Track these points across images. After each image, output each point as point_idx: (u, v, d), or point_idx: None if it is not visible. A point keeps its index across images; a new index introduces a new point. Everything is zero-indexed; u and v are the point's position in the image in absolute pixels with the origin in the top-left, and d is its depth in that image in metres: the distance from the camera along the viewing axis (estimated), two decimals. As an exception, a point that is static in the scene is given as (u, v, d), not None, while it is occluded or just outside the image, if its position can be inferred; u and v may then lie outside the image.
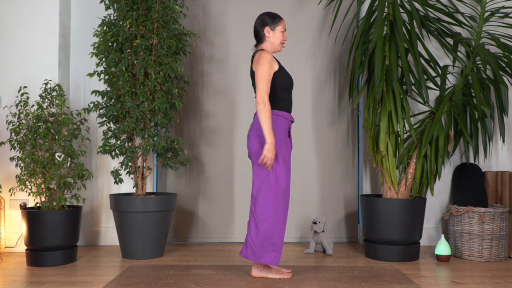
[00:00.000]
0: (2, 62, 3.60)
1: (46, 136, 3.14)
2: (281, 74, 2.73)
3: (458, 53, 3.79)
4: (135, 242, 3.25)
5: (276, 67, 2.71)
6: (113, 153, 3.39)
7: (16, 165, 3.17)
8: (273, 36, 2.78)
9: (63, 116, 3.23)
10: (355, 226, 4.01)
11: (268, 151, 2.62)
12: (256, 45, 2.84)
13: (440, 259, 3.24)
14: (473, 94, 3.46)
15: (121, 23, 3.36)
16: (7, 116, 3.37)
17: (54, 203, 3.14)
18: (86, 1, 3.85)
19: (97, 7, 3.84)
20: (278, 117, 2.72)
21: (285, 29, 2.81)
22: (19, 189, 3.28)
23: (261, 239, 2.68)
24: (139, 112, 3.23)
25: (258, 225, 2.68)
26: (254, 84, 2.79)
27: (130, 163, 3.38)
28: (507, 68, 3.35)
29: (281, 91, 2.74)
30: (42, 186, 3.14)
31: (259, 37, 2.81)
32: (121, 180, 3.34)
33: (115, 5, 3.34)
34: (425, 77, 3.41)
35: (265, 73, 2.66)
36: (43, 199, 3.22)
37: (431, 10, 3.66)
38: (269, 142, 2.62)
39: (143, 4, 3.32)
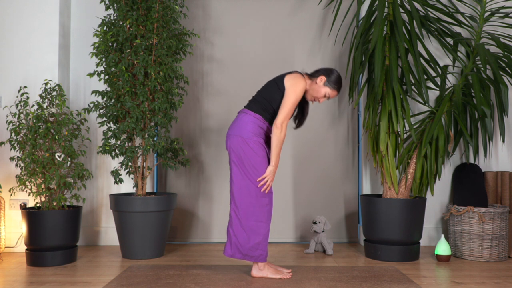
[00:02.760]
0: (2, 62, 3.60)
1: (46, 136, 3.14)
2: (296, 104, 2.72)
3: (458, 53, 3.79)
4: (135, 242, 3.25)
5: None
6: (113, 153, 3.39)
7: (16, 165, 3.17)
8: (319, 88, 2.75)
9: (63, 116, 3.23)
10: (355, 226, 4.01)
11: (271, 173, 2.68)
12: (305, 73, 2.82)
13: (440, 259, 3.24)
14: (473, 94, 3.46)
15: (121, 23, 3.36)
16: (7, 116, 3.37)
17: (54, 203, 3.14)
18: (86, 1, 3.85)
19: (97, 7, 3.84)
20: (259, 125, 2.71)
21: (329, 98, 2.77)
22: (19, 189, 3.28)
23: (246, 238, 2.69)
24: (139, 112, 3.23)
25: (242, 224, 2.69)
26: (266, 92, 2.75)
27: (130, 163, 3.38)
28: (507, 68, 3.35)
29: (278, 108, 2.72)
30: (42, 186, 3.14)
31: (315, 74, 2.77)
32: (121, 180, 3.34)
33: (115, 5, 3.34)
34: (425, 77, 3.41)
35: (296, 100, 2.68)
36: (43, 199, 3.22)
37: (431, 10, 3.66)
38: (273, 165, 2.67)
39: (143, 4, 3.32)
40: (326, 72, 2.76)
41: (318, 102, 2.80)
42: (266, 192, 2.69)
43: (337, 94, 2.80)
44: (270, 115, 2.74)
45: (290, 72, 2.76)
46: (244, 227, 2.69)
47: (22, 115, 3.46)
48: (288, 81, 2.69)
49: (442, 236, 3.28)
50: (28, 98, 3.26)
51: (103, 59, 3.32)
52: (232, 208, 2.72)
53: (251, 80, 4.01)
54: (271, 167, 2.68)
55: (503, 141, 3.22)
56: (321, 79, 2.74)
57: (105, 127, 3.74)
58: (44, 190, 3.12)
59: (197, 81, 4.02)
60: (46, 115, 3.20)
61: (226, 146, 2.76)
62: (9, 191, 3.17)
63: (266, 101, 2.72)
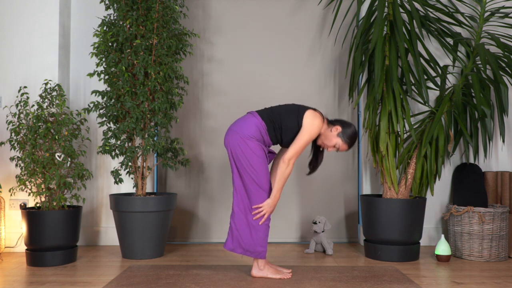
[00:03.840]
0: (2, 62, 3.60)
1: (46, 136, 3.14)
2: (308, 143, 2.70)
3: (458, 53, 3.79)
4: (135, 242, 3.25)
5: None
6: (113, 153, 3.39)
7: (16, 165, 3.17)
8: (331, 137, 2.72)
9: (63, 116, 3.23)
10: (355, 226, 4.01)
11: (268, 206, 2.67)
12: (326, 117, 2.82)
13: (440, 259, 3.24)
14: (473, 94, 3.46)
15: (121, 23, 3.36)
16: (7, 116, 3.37)
17: (54, 203, 3.14)
18: (86, 1, 3.85)
19: (97, 7, 3.84)
20: (261, 132, 2.69)
21: (338, 149, 2.75)
22: (19, 189, 3.28)
23: (248, 232, 2.69)
24: (139, 112, 3.23)
25: (244, 218, 2.68)
26: (284, 112, 2.72)
27: (130, 163, 3.38)
28: (507, 68, 3.35)
29: (285, 132, 2.71)
30: (42, 186, 3.14)
31: (334, 122, 2.76)
32: (121, 180, 3.34)
33: (115, 5, 3.34)
34: (425, 77, 3.41)
35: (309, 140, 2.67)
36: (43, 199, 3.22)
37: (431, 10, 3.66)
38: (272, 198, 2.67)
39: (143, 4, 3.32)
40: (343, 124, 2.75)
41: (326, 149, 2.76)
42: (259, 224, 2.68)
43: (348, 149, 2.75)
44: (274, 133, 2.71)
45: (314, 110, 2.72)
46: (246, 221, 2.69)
47: (22, 115, 3.46)
48: (307, 118, 2.66)
49: (442, 236, 3.28)
50: (28, 98, 3.26)
51: (103, 59, 3.32)
52: (235, 203, 2.72)
53: (251, 80, 4.01)
54: (269, 200, 2.67)
55: (503, 141, 3.22)
56: (337, 129, 2.73)
57: (105, 127, 3.74)
58: (44, 190, 3.12)
59: (197, 81, 4.02)
60: (46, 115, 3.20)
61: (224, 141, 2.75)
62: (9, 191, 3.17)
63: (279, 118, 2.70)
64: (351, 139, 2.74)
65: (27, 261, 3.09)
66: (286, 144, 2.76)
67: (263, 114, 2.72)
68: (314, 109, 2.72)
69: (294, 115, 2.69)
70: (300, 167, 3.99)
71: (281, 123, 2.70)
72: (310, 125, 2.65)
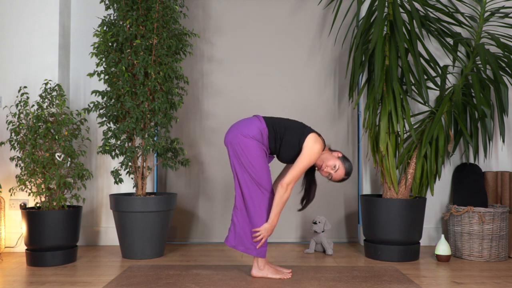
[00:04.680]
0: (2, 62, 3.60)
1: (46, 136, 3.14)
2: (309, 165, 2.69)
3: (458, 53, 3.79)
4: (135, 242, 3.25)
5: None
6: (113, 153, 3.39)
7: (16, 165, 3.17)
8: (332, 157, 2.72)
9: (63, 116, 3.23)
10: (355, 226, 4.01)
11: (265, 231, 2.68)
12: (328, 144, 2.83)
13: (440, 259, 3.24)
14: (473, 94, 3.46)
15: (121, 23, 3.36)
16: (7, 116, 3.37)
17: (54, 203, 3.14)
18: (86, 1, 3.85)
19: (97, 7, 3.84)
20: (262, 135, 2.68)
21: (331, 178, 2.74)
22: (19, 189, 3.28)
23: (250, 229, 2.69)
24: (139, 112, 3.23)
25: (251, 217, 2.68)
26: (289, 126, 2.72)
27: (130, 163, 3.38)
28: (507, 68, 3.35)
29: (284, 146, 2.70)
30: (42, 186, 3.14)
31: (333, 150, 2.79)
32: (121, 180, 3.34)
33: (115, 5, 3.34)
34: (425, 77, 3.41)
35: (308, 164, 2.66)
36: (43, 199, 3.22)
37: (431, 10, 3.66)
38: (270, 223, 2.67)
39: (143, 4, 3.32)
40: (344, 155, 2.78)
41: (321, 171, 2.74)
42: (257, 247, 2.69)
43: (343, 175, 2.73)
44: (274, 142, 2.71)
45: (319, 134, 2.73)
46: (248, 219, 2.69)
47: (22, 115, 3.46)
48: (309, 140, 2.66)
49: (442, 236, 3.28)
50: (28, 98, 3.26)
51: (103, 59, 3.32)
52: (237, 200, 2.72)
53: (251, 80, 4.01)
54: (267, 225, 2.67)
55: (503, 141, 3.22)
56: (338, 154, 2.76)
57: (105, 127, 3.74)
58: (44, 190, 3.12)
59: (197, 81, 4.02)
60: (46, 115, 3.20)
61: (224, 139, 2.74)
62: (9, 191, 3.17)
63: (283, 131, 2.70)
64: (349, 168, 2.76)
65: (27, 261, 3.09)
66: (282, 158, 2.76)
67: (268, 121, 2.73)
68: (318, 134, 2.73)
69: (298, 133, 2.69)
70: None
71: (283, 136, 2.70)
72: (310, 149, 2.65)
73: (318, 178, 4.02)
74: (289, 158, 2.74)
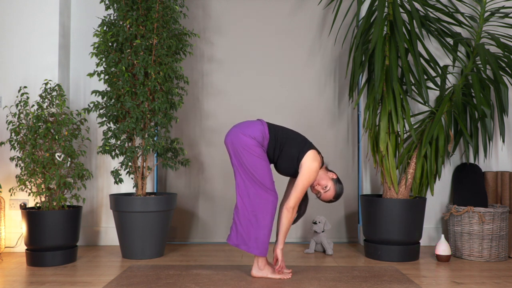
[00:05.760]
0: (2, 62, 3.60)
1: (46, 136, 3.14)
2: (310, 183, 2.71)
3: (458, 53, 3.79)
4: (135, 242, 3.25)
5: None
6: (113, 153, 3.39)
7: (16, 165, 3.17)
8: (326, 177, 2.75)
9: (63, 116, 3.23)
10: (355, 226, 4.01)
11: (282, 254, 2.73)
12: (326, 164, 2.88)
13: (440, 259, 3.24)
14: (473, 94, 3.46)
15: (121, 23, 3.36)
16: (7, 116, 3.37)
17: (54, 203, 3.14)
18: (86, 1, 3.85)
19: (97, 7, 3.84)
20: (263, 137, 2.69)
21: (320, 196, 2.77)
22: (19, 189, 3.28)
23: (251, 228, 2.69)
24: (139, 112, 3.23)
25: (248, 214, 2.68)
26: (291, 138, 2.72)
27: (130, 163, 3.38)
28: (507, 68, 3.35)
29: (282, 157, 2.71)
30: (42, 186, 3.14)
31: (329, 170, 2.82)
32: (121, 180, 3.34)
33: (115, 5, 3.34)
34: (425, 77, 3.41)
35: (308, 184, 2.68)
36: (43, 199, 3.22)
37: (431, 10, 3.66)
38: (282, 245, 2.73)
39: (143, 4, 3.32)
40: (338, 177, 2.81)
41: (311, 187, 2.77)
42: (278, 276, 2.73)
43: (332, 197, 2.76)
44: (273, 151, 2.72)
45: (318, 152, 2.74)
46: (250, 218, 2.69)
47: (22, 115, 3.46)
48: (308, 157, 2.67)
49: (442, 236, 3.28)
50: (28, 98, 3.26)
51: (103, 59, 3.32)
52: (238, 199, 2.72)
53: (251, 80, 4.02)
54: (280, 250, 2.72)
55: (503, 141, 3.22)
56: (332, 175, 2.78)
57: (105, 127, 3.74)
58: (44, 190, 3.12)
59: (197, 81, 4.02)
60: (46, 115, 3.20)
61: (225, 139, 2.74)
62: (9, 191, 3.17)
63: (284, 141, 2.71)
64: (340, 190, 2.79)
65: (27, 261, 3.09)
66: (278, 167, 2.78)
67: (271, 128, 2.73)
68: (318, 152, 2.74)
69: (299, 147, 2.70)
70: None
71: (283, 146, 2.71)
72: (309, 168, 2.66)
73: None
74: (285, 171, 2.76)
